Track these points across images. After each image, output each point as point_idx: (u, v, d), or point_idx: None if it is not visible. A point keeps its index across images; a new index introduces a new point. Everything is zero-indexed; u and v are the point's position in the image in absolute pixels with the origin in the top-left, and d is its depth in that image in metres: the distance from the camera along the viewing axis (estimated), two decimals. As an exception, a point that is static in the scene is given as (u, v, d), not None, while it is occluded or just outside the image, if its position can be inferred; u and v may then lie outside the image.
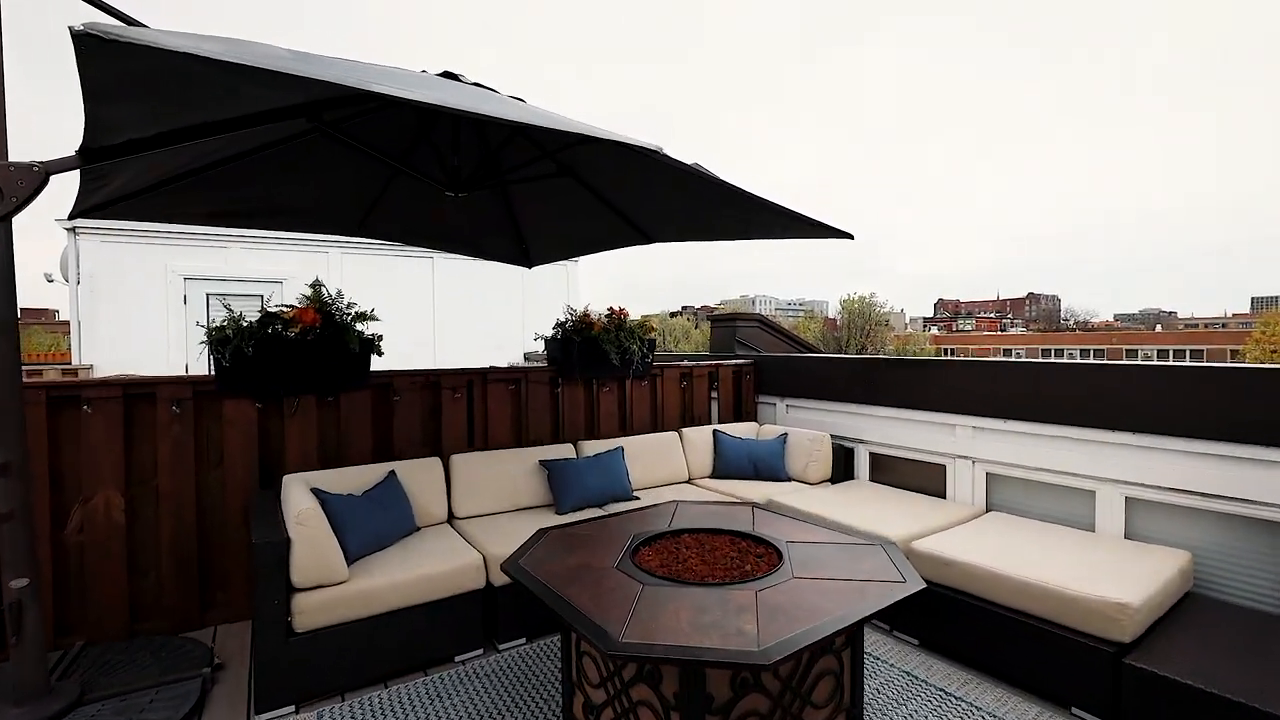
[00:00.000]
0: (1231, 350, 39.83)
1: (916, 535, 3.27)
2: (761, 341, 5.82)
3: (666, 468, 4.43)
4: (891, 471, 4.38)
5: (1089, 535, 3.23)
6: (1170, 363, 3.22)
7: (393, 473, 3.39)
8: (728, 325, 5.82)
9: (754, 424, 5.06)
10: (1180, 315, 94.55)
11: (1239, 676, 2.14)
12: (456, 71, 2.39)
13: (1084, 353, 48.45)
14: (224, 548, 3.26)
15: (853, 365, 4.65)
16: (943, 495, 4.02)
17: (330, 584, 2.60)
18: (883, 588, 2.00)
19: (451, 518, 3.58)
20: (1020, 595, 2.66)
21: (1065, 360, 3.49)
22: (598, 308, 4.56)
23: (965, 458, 3.88)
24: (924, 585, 2.03)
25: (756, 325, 5.86)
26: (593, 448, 4.15)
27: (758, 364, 5.39)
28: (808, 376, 4.99)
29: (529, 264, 4.47)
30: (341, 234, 4.23)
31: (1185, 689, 2.13)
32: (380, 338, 3.49)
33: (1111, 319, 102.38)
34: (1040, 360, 3.62)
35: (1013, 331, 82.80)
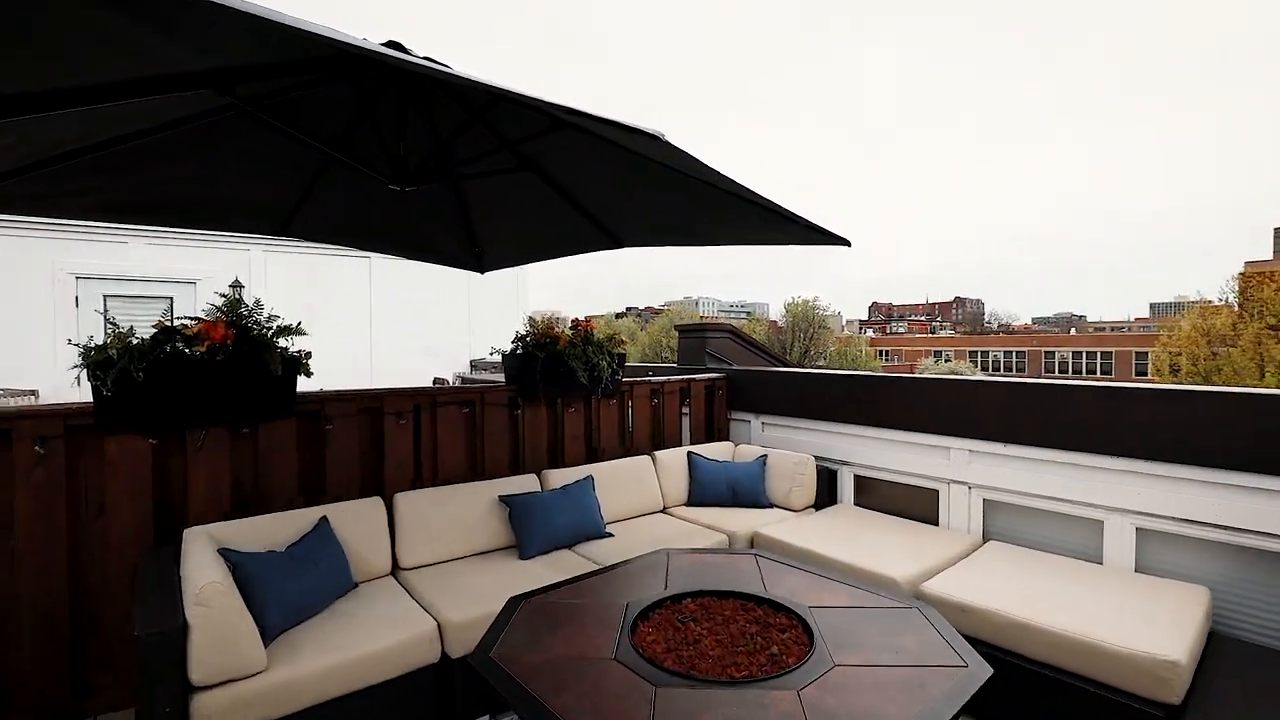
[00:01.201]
0: (1137, 353, 42.73)
1: (924, 574, 2.99)
2: (732, 353, 5.50)
3: (640, 496, 4.02)
4: (878, 495, 4.12)
5: (1099, 569, 3.03)
6: (1184, 386, 3.06)
7: (324, 519, 2.84)
8: (697, 336, 5.47)
9: (729, 444, 4.72)
10: (1090, 319, 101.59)
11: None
12: (404, 44, 1.91)
13: (1008, 354, 51.08)
14: (106, 619, 2.63)
15: (837, 381, 4.38)
16: (935, 522, 3.78)
17: (243, 676, 2.06)
18: (944, 677, 1.65)
19: (396, 568, 3.05)
20: (1053, 649, 2.40)
21: (1071, 382, 3.30)
22: (544, 310, 4.14)
23: (961, 483, 3.65)
24: (990, 671, 1.70)
25: (727, 336, 5.53)
26: (559, 478, 3.69)
27: (730, 378, 5.05)
28: (786, 392, 4.69)
29: (481, 269, 3.99)
30: (262, 233, 3.63)
31: (1254, 764, 1.90)
32: (308, 355, 2.94)
33: (1030, 322, 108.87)
34: (1043, 381, 3.42)
35: (942, 334, 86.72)
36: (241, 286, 7.94)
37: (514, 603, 2.15)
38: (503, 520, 3.35)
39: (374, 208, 3.40)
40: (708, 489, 4.19)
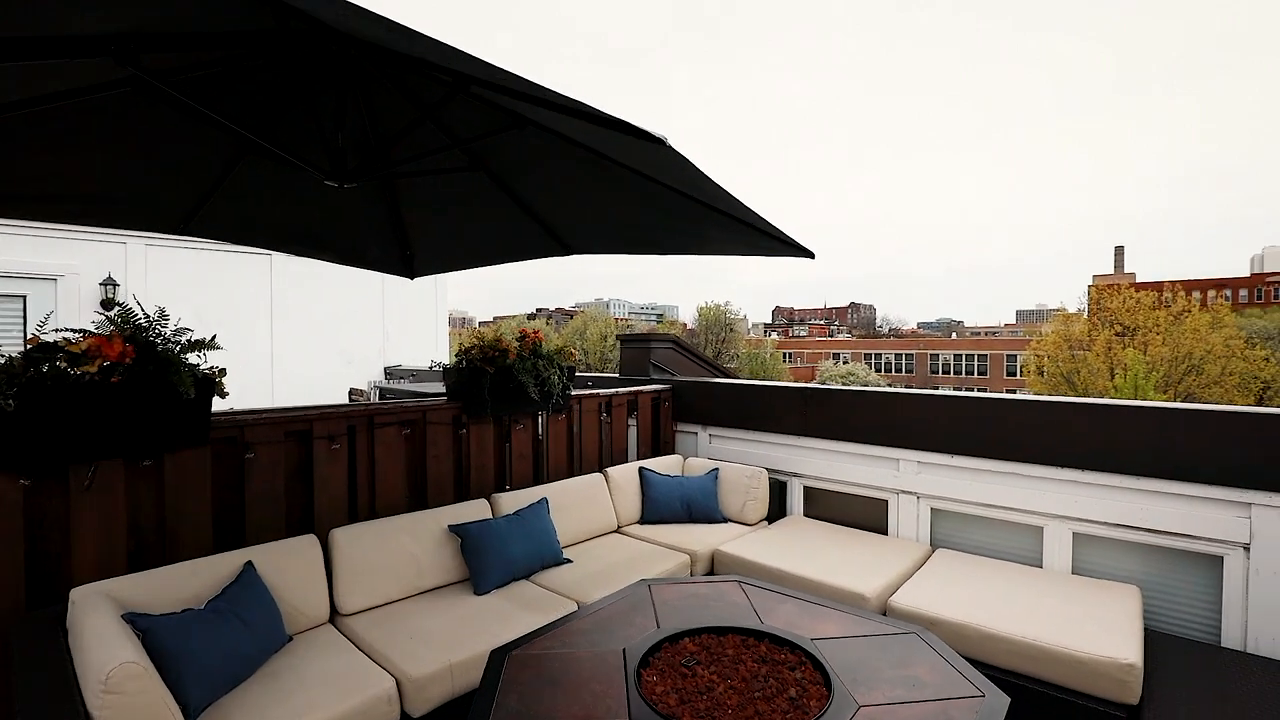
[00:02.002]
0: (1008, 355, 47.29)
1: (889, 588, 3.04)
2: (676, 364, 5.43)
3: (594, 517, 3.84)
4: (827, 506, 4.18)
5: (1040, 572, 3.21)
6: (1111, 401, 3.30)
7: (249, 565, 2.45)
8: (641, 346, 5.35)
9: (677, 458, 4.64)
10: (967, 324, 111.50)
11: (1253, 739, 2.08)
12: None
13: (899, 356, 54.91)
14: (-38, 707, 2.12)
15: (787, 393, 4.40)
16: (884, 531, 3.88)
17: (162, 772, 1.70)
18: (968, 710, 1.63)
19: (336, 615, 2.70)
20: (1021, 658, 2.49)
21: (1016, 396, 3.49)
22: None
23: (910, 493, 3.76)
24: (1008, 700, 1.69)
25: (671, 347, 5.46)
26: (511, 502, 3.45)
27: (676, 390, 4.98)
28: (735, 404, 4.67)
29: (412, 274, 3.67)
30: (159, 231, 3.14)
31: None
32: (222, 372, 2.54)
33: (916, 326, 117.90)
34: (987, 396, 3.59)
35: (840, 337, 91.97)
36: (116, 285, 6.95)
37: (498, 658, 1.93)
38: (453, 552, 3.07)
39: (296, 206, 3.03)
40: (662, 506, 4.08)
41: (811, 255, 2.71)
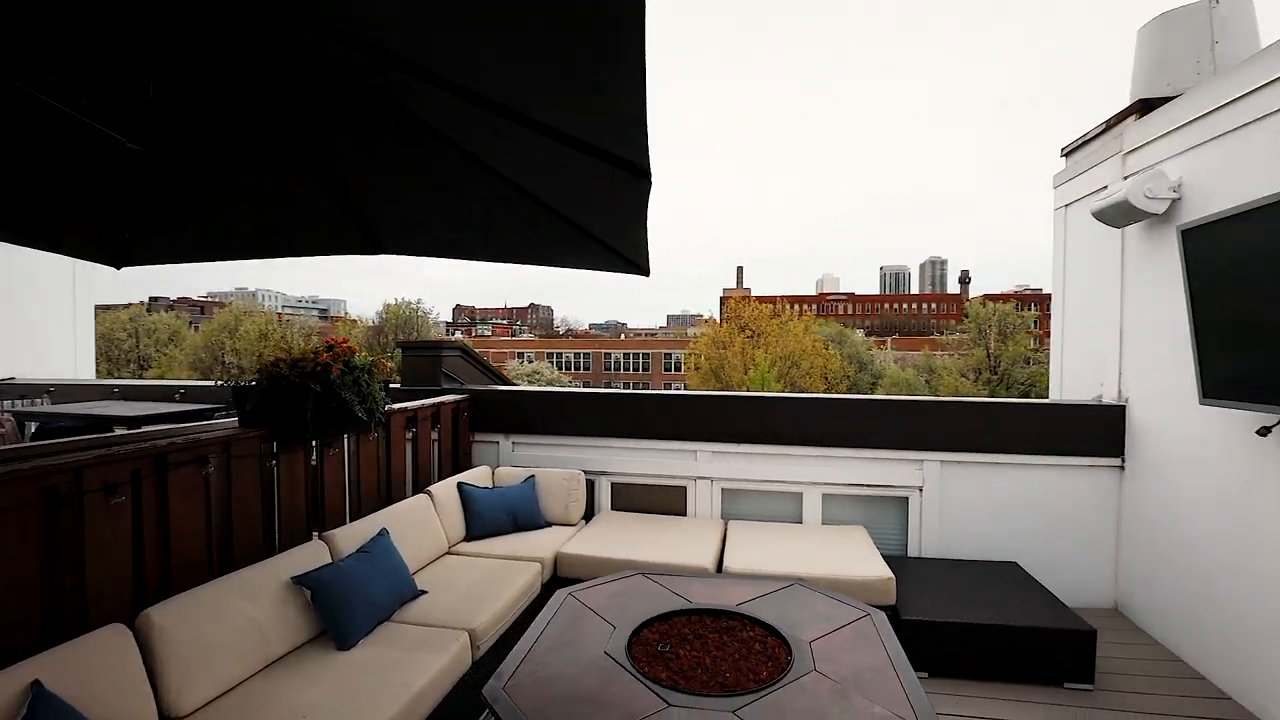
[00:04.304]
0: (666, 354, 55.81)
1: (716, 558, 3.65)
2: (464, 373, 5.22)
3: (428, 542, 3.56)
4: (632, 498, 4.65)
5: (803, 526, 4.24)
6: (840, 395, 4.51)
7: (37, 687, 1.72)
8: (430, 355, 4.99)
9: (485, 469, 4.54)
10: (630, 326, 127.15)
11: (953, 607, 3.23)
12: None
13: (578, 355, 59.75)
14: None
15: (596, 399, 4.73)
16: (683, 513, 4.53)
17: None
18: (868, 624, 2.23)
19: (166, 721, 2.04)
20: (836, 587, 3.31)
21: (778, 395, 4.46)
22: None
23: (706, 478, 4.48)
24: (883, 613, 2.35)
25: (459, 355, 5.21)
26: (349, 539, 3.01)
27: (474, 399, 4.85)
28: (542, 410, 4.79)
29: (118, 264, 2.81)
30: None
31: (942, 626, 3.09)
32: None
33: (589, 327, 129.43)
34: (762, 395, 4.52)
35: (523, 336, 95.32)
36: None
37: (494, 692, 1.81)
38: (300, 608, 2.57)
39: None
40: (487, 520, 3.99)
41: (646, 273, 3.01)
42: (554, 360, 57.75)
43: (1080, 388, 4.44)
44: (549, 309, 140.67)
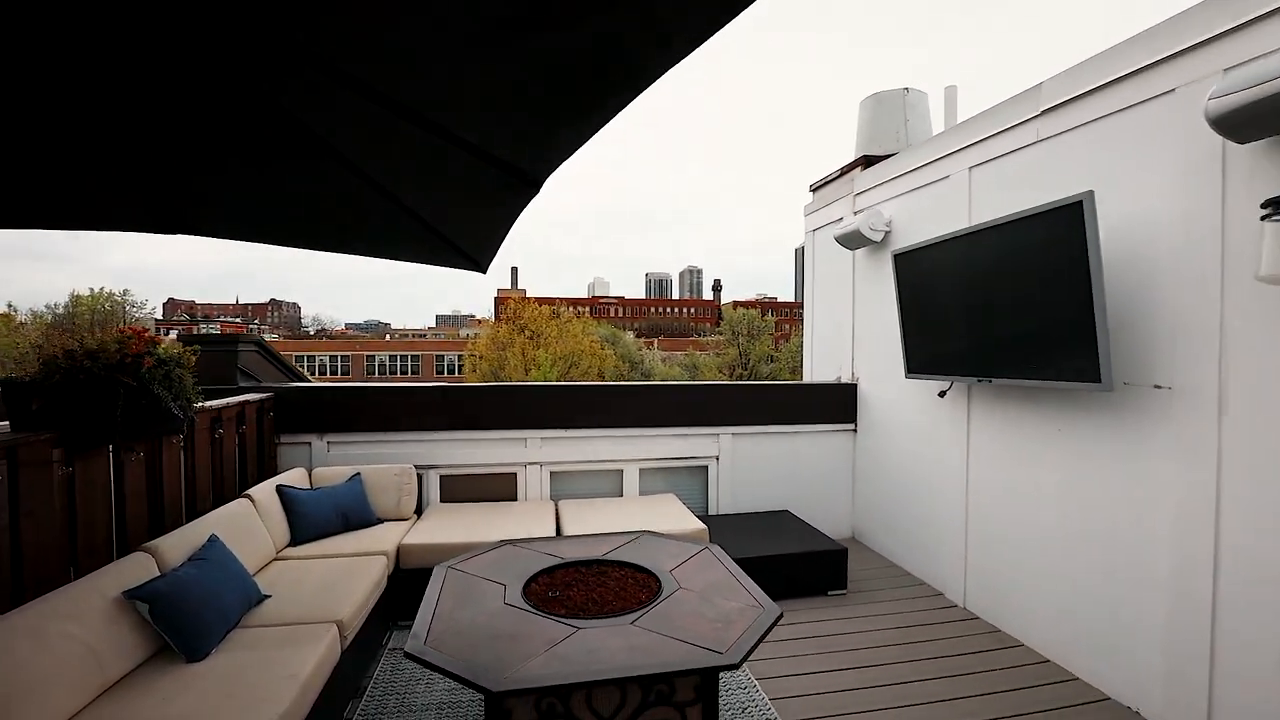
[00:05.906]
0: (438, 355, 53.23)
1: (564, 529, 3.99)
2: (261, 370, 4.71)
3: (257, 548, 3.28)
4: (461, 488, 4.74)
5: (626, 499, 4.79)
6: (650, 383, 5.16)
7: None
8: (225, 349, 4.38)
9: (300, 470, 4.23)
10: (395, 326, 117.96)
11: (749, 545, 4.05)
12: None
13: (334, 358, 53.84)
14: None
15: (422, 393, 4.68)
16: (514, 498, 4.77)
17: None
18: (711, 554, 2.81)
19: (-9, 766, 1.74)
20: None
21: (603, 383, 4.95)
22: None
23: (535, 463, 4.77)
24: (717, 545, 2.95)
25: (256, 350, 4.66)
26: (176, 549, 2.70)
27: (280, 397, 4.46)
28: (361, 408, 4.59)
29: None
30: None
31: (742, 560, 3.87)
32: None
33: (345, 327, 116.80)
34: (588, 384, 4.95)
35: (266, 338, 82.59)
36: None
37: (413, 655, 1.94)
38: (135, 624, 2.29)
39: None
40: (315, 521, 3.78)
41: (483, 270, 3.22)
42: (304, 363, 51.19)
43: (826, 371, 5.74)
44: (295, 305, 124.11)
